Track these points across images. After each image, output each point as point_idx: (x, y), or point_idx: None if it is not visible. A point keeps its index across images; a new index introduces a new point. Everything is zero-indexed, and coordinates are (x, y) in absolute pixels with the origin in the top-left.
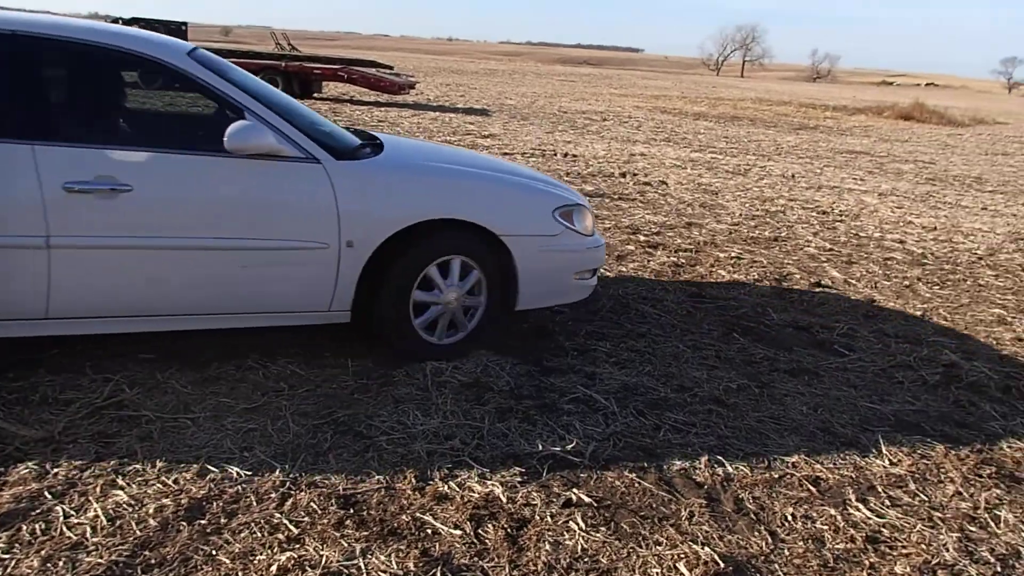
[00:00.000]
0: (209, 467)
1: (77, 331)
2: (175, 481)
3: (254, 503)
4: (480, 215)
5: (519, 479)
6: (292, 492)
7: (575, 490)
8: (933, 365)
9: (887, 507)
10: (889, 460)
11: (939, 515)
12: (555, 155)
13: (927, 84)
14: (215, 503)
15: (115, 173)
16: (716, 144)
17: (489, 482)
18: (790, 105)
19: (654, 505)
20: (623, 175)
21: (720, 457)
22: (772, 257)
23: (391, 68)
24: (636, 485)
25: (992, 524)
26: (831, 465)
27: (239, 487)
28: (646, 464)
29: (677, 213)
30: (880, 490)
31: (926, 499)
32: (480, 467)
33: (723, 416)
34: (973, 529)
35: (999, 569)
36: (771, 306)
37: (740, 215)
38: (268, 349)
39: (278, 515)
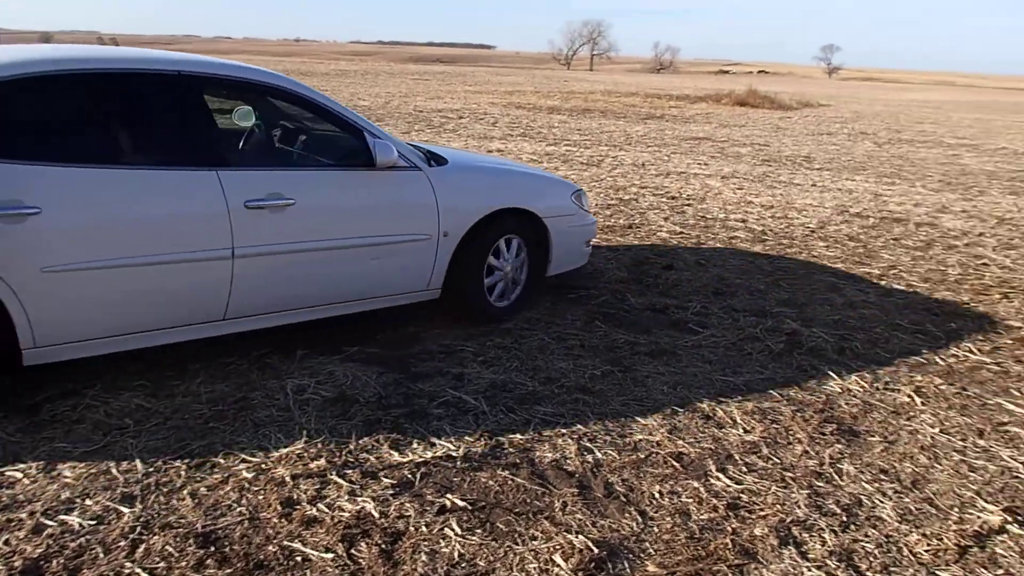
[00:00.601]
0: (45, 521)
1: (245, 328)
2: (5, 543)
3: (101, 555)
4: (529, 203)
5: (391, 492)
6: (144, 537)
7: (449, 495)
8: (777, 335)
9: (744, 473)
10: (743, 428)
11: (790, 475)
12: None
13: (759, 72)
14: (55, 561)
15: (281, 190)
16: (570, 137)
17: (360, 499)
18: (637, 96)
19: (528, 500)
20: None
21: (589, 444)
22: (628, 244)
23: None
24: (510, 482)
25: (836, 477)
26: (692, 440)
27: (82, 539)
28: (518, 460)
29: None
30: (737, 458)
31: (778, 461)
32: (350, 484)
33: (590, 404)
34: (820, 484)
35: (845, 519)
36: (630, 291)
37: (595, 205)
38: (109, 383)
39: (129, 564)
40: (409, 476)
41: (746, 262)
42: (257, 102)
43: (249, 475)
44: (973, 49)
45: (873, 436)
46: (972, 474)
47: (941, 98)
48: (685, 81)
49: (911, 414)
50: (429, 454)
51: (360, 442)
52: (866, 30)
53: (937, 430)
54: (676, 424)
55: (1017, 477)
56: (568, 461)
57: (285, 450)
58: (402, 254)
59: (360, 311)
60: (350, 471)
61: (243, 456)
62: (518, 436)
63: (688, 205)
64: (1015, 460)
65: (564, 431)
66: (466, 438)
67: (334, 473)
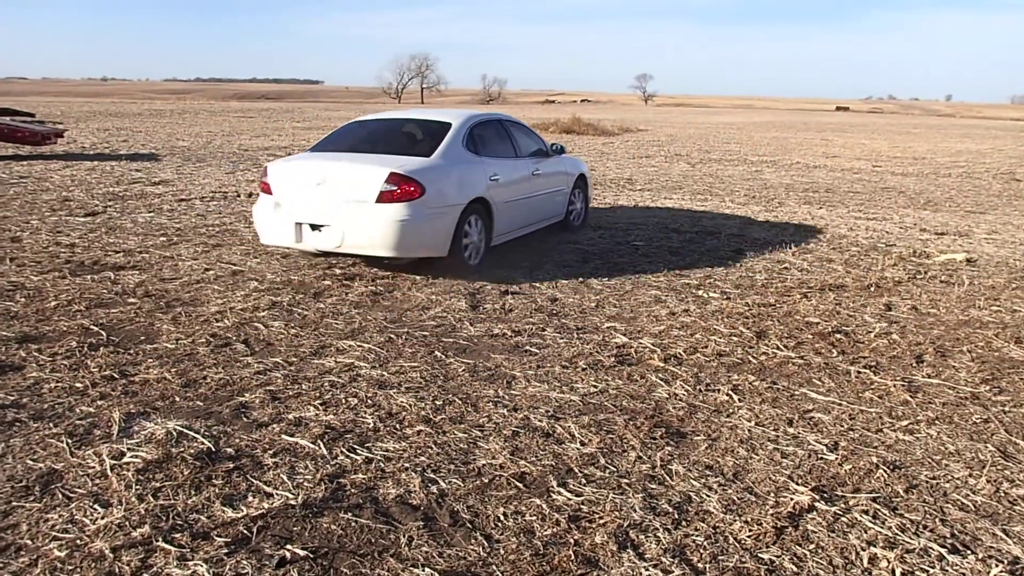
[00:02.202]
0: None
1: (502, 241)
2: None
3: None
4: (585, 170)
5: (225, 551)
6: None
7: (288, 546)
8: (608, 348)
9: (584, 485)
10: (581, 442)
11: (626, 481)
12: (238, 196)
13: (582, 100)
14: None
15: (538, 169)
16: None
17: (191, 563)
18: None
19: (373, 540)
20: None
21: (433, 475)
22: (463, 272)
23: (32, 116)
24: (353, 524)
25: (668, 478)
26: (534, 458)
27: None
28: (361, 500)
29: None
30: (577, 471)
31: (615, 469)
32: (179, 548)
33: (432, 435)
34: (653, 486)
35: (676, 516)
36: (467, 319)
37: None
38: None
39: None
40: (245, 532)
41: (577, 282)
42: (512, 130)
43: (62, 553)
44: (768, 74)
45: (698, 435)
46: (784, 460)
47: (744, 120)
48: (514, 111)
49: (730, 411)
50: (266, 506)
51: (189, 502)
52: (675, 59)
53: (753, 423)
54: (518, 445)
55: (823, 458)
56: (412, 495)
57: (103, 521)
58: (557, 198)
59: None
60: (178, 534)
61: (54, 535)
62: (360, 476)
63: None
64: (820, 443)
65: (408, 465)
66: (305, 484)
67: (160, 539)
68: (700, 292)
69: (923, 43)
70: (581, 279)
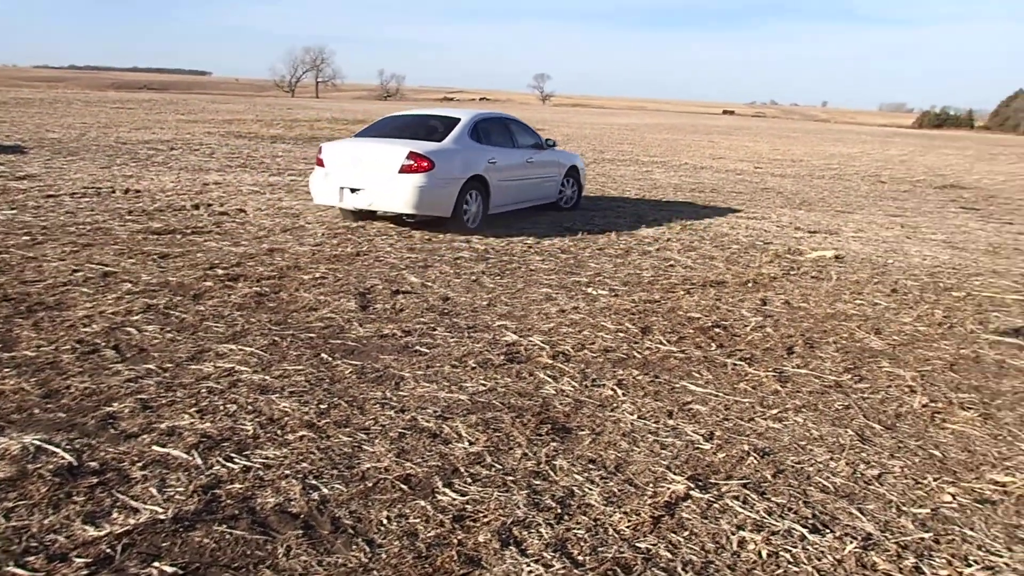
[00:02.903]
0: None
1: (498, 211)
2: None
3: None
4: (578, 163)
5: (85, 572)
6: None
7: (156, 564)
8: (498, 347)
9: (469, 484)
10: (468, 441)
11: (511, 479)
12: (113, 192)
13: (481, 99)
14: None
15: (531, 158)
16: (295, 166)
17: None
18: (365, 123)
19: (248, 552)
20: (196, 207)
21: (315, 482)
22: (356, 272)
23: None
24: (227, 537)
25: (552, 474)
26: (420, 460)
27: None
28: (237, 511)
29: (257, 240)
30: (463, 470)
31: (501, 467)
32: (32, 573)
33: (315, 440)
34: (538, 482)
35: (559, 511)
36: (357, 319)
37: (323, 235)
38: None
39: None
40: (108, 551)
41: (469, 280)
42: (512, 128)
43: None
44: (661, 78)
45: (583, 430)
46: (663, 451)
47: (637, 122)
48: (412, 108)
49: (615, 405)
50: (132, 522)
51: (45, 522)
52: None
53: (635, 416)
54: (404, 447)
55: (699, 448)
56: (292, 503)
57: None
58: (549, 182)
59: (534, 207)
60: (32, 558)
61: None
62: (237, 486)
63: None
64: (696, 434)
65: (288, 472)
66: (176, 497)
67: (11, 564)
68: (590, 290)
69: (803, 52)
70: (473, 278)
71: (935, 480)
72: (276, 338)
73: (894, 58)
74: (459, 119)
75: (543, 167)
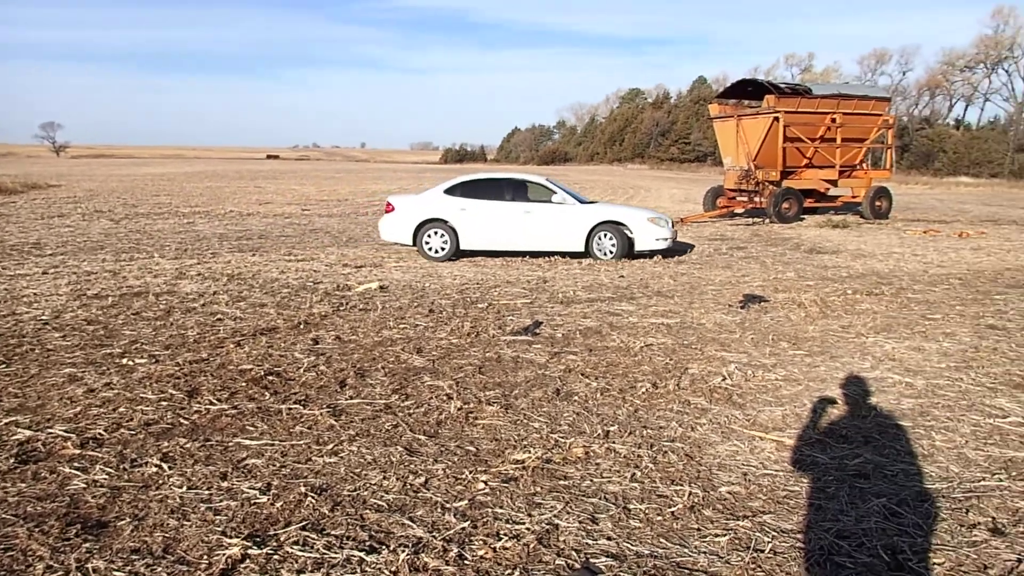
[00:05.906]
0: None
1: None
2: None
3: None
4: (618, 217)
5: None
6: None
7: None
8: (8, 448)
9: None
10: None
11: None
12: None
13: None
14: None
15: (530, 210)
16: None
17: None
18: None
19: None
20: None
21: None
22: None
23: None
24: None
25: None
26: None
27: None
28: None
29: None
30: None
31: None
32: None
33: None
34: None
35: None
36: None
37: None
38: None
39: None
40: None
41: None
42: (524, 188)
43: None
44: (198, 124)
45: (123, 519)
46: (217, 517)
47: (175, 170)
48: None
49: (160, 482)
50: None
51: None
52: (90, 107)
53: (185, 488)
54: None
55: (256, 503)
56: None
57: None
58: (574, 234)
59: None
60: None
61: None
62: None
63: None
64: (252, 489)
65: None
66: None
67: None
68: (124, 360)
69: (341, 96)
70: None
71: (471, 473)
72: None
73: (419, 101)
74: (448, 180)
75: (555, 219)
